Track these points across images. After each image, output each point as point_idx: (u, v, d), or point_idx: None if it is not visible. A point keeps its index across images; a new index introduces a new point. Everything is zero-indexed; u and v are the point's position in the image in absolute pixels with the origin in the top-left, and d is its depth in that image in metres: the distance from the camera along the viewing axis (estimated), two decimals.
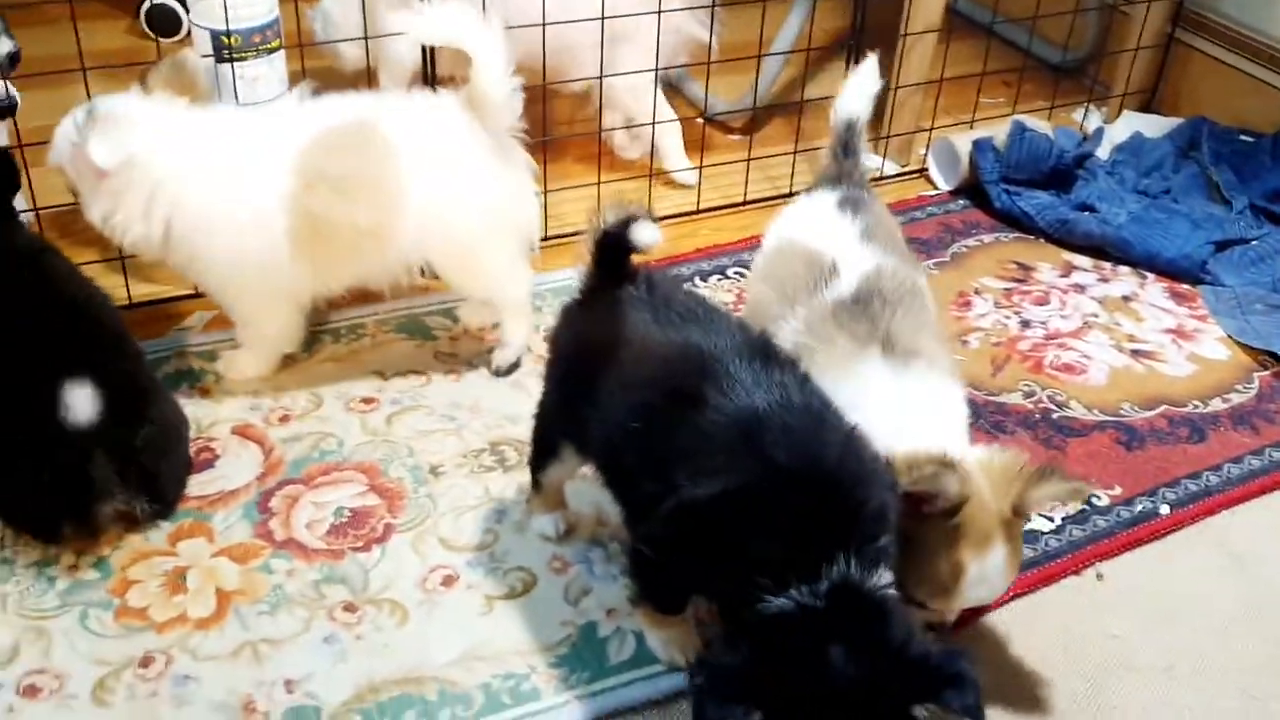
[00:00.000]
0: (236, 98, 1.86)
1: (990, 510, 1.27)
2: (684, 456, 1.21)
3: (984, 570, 1.27)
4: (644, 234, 1.32)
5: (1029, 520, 1.33)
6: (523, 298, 1.80)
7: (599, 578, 1.51)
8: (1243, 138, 2.47)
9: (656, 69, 2.12)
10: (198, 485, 1.61)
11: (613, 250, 1.36)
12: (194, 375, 1.81)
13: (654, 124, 2.18)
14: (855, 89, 1.67)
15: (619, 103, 2.23)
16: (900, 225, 1.71)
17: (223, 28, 1.83)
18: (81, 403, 1.42)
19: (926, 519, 1.25)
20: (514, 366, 1.83)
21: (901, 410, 1.33)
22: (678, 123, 2.30)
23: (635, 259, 1.37)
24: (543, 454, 1.49)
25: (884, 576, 1.14)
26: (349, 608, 1.46)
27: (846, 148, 1.65)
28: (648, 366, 1.29)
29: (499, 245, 1.74)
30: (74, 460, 1.44)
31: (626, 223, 1.32)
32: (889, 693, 1.08)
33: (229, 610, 1.45)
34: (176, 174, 1.59)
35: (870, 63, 1.69)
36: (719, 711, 1.08)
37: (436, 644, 1.42)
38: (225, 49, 1.85)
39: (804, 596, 1.11)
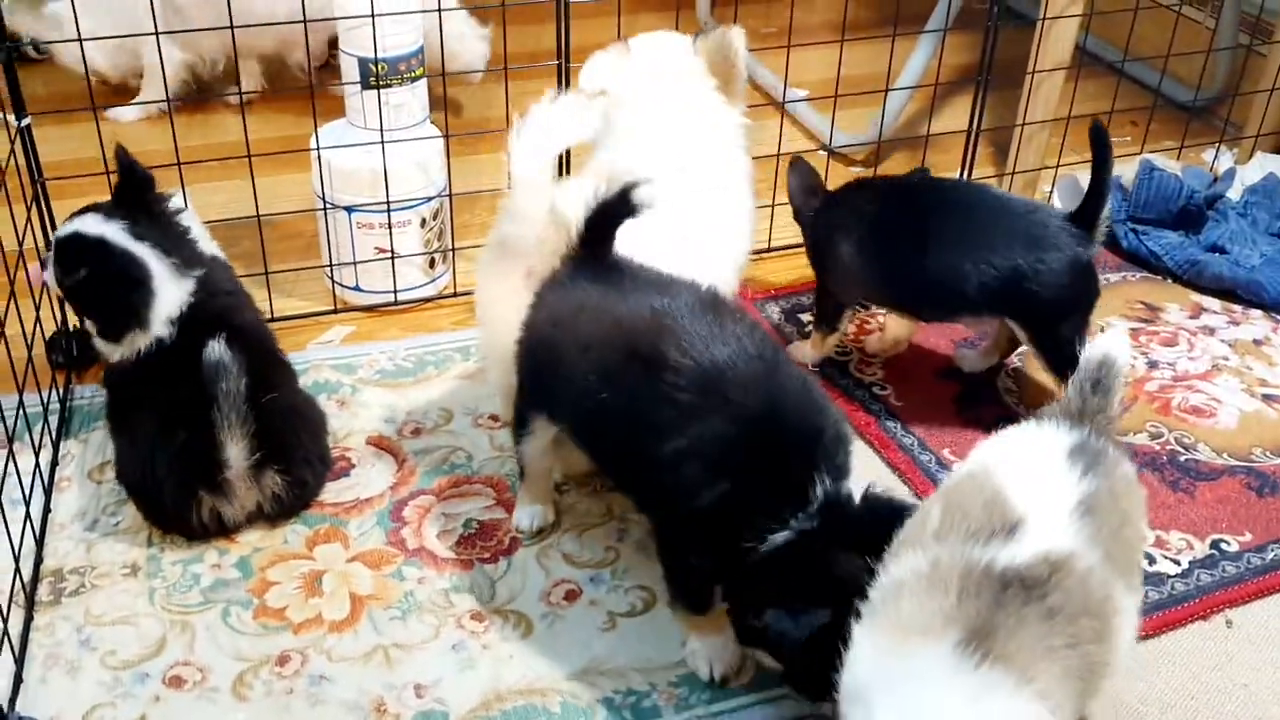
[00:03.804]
0: (381, 124, 1.93)
1: None
2: (653, 417, 1.31)
3: None
4: (638, 196, 1.41)
5: None
6: None
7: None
8: None
9: None
10: (334, 492, 1.68)
11: (599, 225, 1.45)
12: (331, 387, 1.88)
13: None
14: (1110, 339, 1.36)
15: None
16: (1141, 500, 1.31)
17: (371, 55, 1.91)
18: (217, 354, 1.47)
19: None
20: None
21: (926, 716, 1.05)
22: None
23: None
24: (518, 428, 1.54)
25: (849, 485, 1.29)
26: (476, 617, 1.50)
27: (1097, 384, 1.32)
28: (605, 329, 1.38)
29: None
30: (204, 412, 1.47)
31: (623, 194, 1.42)
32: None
33: (363, 614, 1.50)
34: None
35: (1125, 333, 1.49)
36: (798, 625, 1.25)
37: (559, 657, 1.45)
38: (372, 76, 1.93)
39: (801, 523, 1.26)
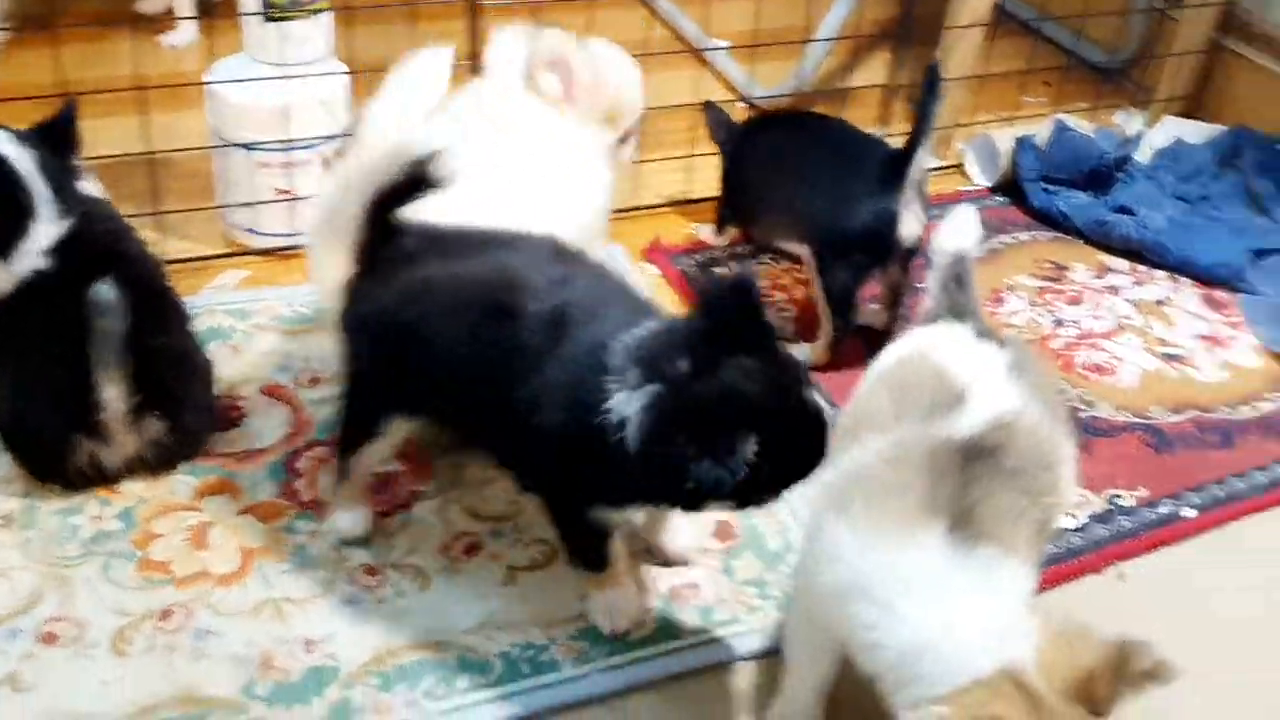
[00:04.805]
0: (279, 58, 1.85)
1: None
2: (520, 369, 1.23)
3: None
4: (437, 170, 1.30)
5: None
6: None
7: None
8: None
9: None
10: (225, 442, 1.62)
11: (388, 205, 1.34)
12: (225, 333, 1.81)
13: None
14: (955, 226, 1.43)
15: None
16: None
17: None
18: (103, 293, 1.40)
19: None
20: None
21: (947, 605, 1.08)
22: None
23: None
24: (363, 436, 1.43)
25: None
26: (371, 571, 1.46)
27: (958, 279, 1.38)
28: (458, 302, 1.29)
29: None
30: (81, 350, 1.41)
31: (418, 168, 1.30)
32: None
33: (252, 568, 1.45)
34: None
35: (971, 211, 1.47)
36: (731, 467, 1.11)
37: (457, 611, 1.42)
38: (271, 8, 1.84)
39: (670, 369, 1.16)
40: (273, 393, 1.71)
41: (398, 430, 1.42)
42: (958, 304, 1.37)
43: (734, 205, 2.04)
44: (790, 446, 1.16)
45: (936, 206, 2.26)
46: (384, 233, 1.35)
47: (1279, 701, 1.43)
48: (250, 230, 1.99)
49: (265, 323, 1.84)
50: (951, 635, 1.06)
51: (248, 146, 1.91)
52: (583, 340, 1.22)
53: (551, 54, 1.63)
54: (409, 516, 1.54)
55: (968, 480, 1.12)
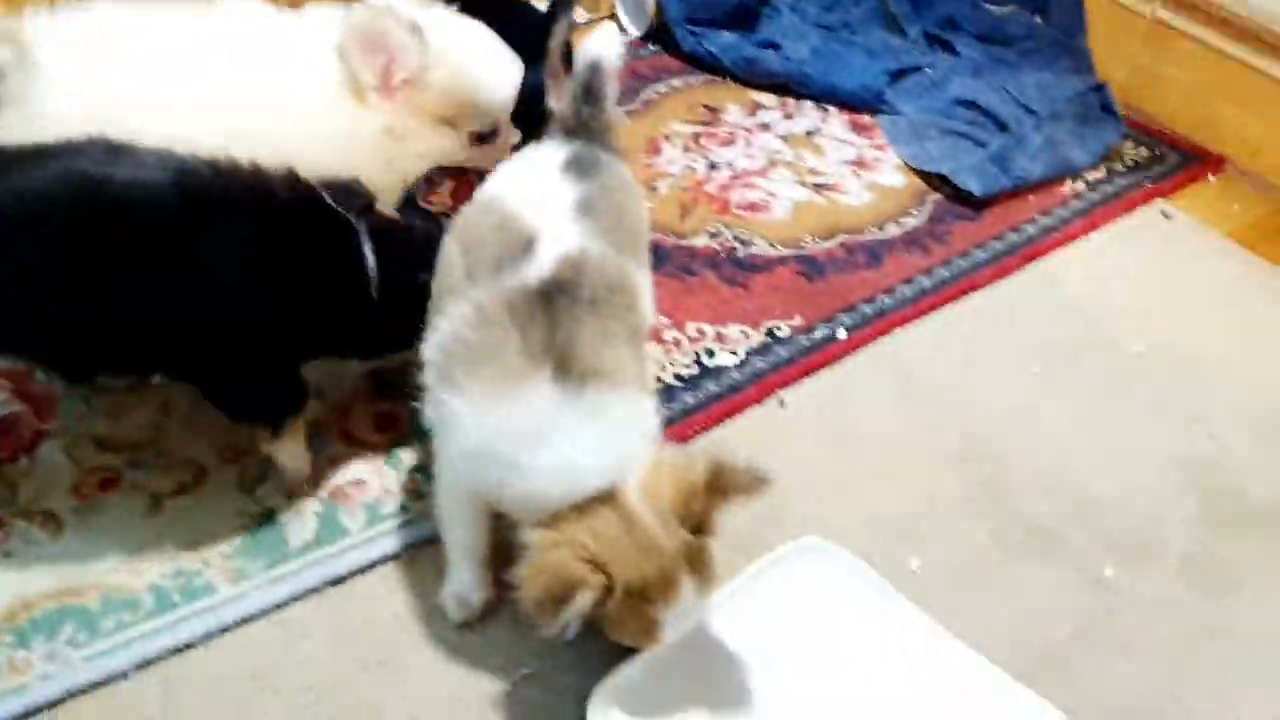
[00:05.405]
0: None
1: (666, 550, 1.10)
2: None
3: (680, 608, 1.13)
4: None
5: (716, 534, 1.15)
6: None
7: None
8: None
9: None
10: None
11: None
12: None
13: None
14: (602, 35, 1.40)
15: None
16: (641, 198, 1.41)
17: None
18: None
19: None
20: None
21: (571, 448, 1.11)
22: None
23: None
24: None
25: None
26: None
27: (589, 92, 1.36)
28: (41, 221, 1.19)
29: None
30: None
31: None
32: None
33: None
34: None
35: (614, 28, 1.47)
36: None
37: (97, 550, 1.33)
38: None
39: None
40: None
41: None
42: (583, 119, 1.36)
43: None
44: None
45: None
46: None
47: (926, 507, 1.52)
48: None
49: None
50: (565, 472, 1.10)
51: None
52: (248, 208, 1.25)
53: (368, 32, 1.37)
54: (34, 459, 1.42)
55: (553, 321, 1.14)
